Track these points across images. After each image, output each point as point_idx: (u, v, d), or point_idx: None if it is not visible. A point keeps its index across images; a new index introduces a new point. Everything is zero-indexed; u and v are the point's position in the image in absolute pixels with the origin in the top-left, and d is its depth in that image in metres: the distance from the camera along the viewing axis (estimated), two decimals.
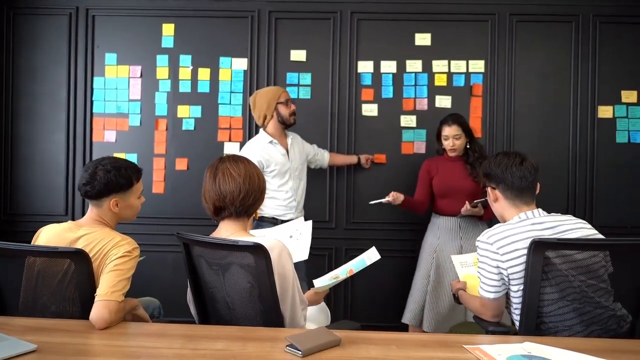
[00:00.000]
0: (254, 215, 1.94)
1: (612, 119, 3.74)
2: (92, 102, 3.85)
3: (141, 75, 3.83)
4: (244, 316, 1.79)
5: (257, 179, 1.88)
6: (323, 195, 3.78)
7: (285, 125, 3.26)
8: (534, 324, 1.85)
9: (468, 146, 3.26)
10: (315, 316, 2.27)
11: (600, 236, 1.95)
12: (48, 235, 2.01)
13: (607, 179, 3.74)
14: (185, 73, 3.82)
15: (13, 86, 3.87)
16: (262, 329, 1.71)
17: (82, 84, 3.85)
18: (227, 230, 1.86)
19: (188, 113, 3.82)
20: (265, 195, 1.96)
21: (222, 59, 3.81)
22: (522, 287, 1.87)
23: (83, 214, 3.77)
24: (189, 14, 3.82)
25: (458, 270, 2.49)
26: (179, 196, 3.81)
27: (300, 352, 1.46)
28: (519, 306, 1.90)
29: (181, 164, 3.81)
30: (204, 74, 3.81)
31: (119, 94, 3.84)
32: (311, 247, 3.36)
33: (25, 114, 3.87)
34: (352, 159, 3.71)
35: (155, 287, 3.72)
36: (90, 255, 1.88)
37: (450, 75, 3.76)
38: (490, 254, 1.92)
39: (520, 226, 1.94)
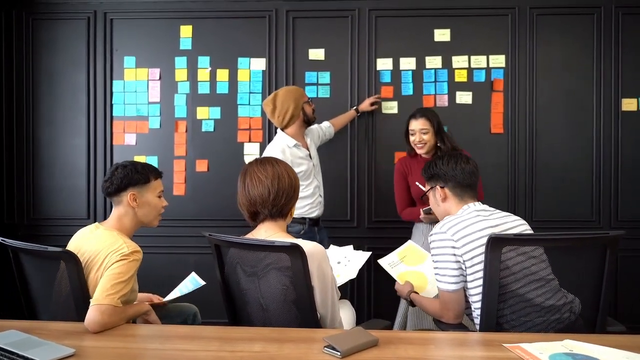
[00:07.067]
0: (291, 214, 1.92)
1: (637, 112, 3.68)
2: (111, 105, 3.86)
3: (160, 78, 3.84)
4: (279, 318, 1.77)
5: (287, 177, 1.86)
6: (344, 193, 3.76)
7: (308, 124, 3.24)
8: (494, 321, 1.84)
9: (439, 144, 3.03)
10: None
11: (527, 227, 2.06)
12: (75, 238, 2.08)
13: (632, 173, 3.67)
14: (203, 74, 3.82)
15: (33, 91, 3.89)
16: (298, 330, 1.69)
17: (102, 87, 3.86)
18: (267, 232, 1.85)
19: (207, 114, 3.81)
20: None
21: (240, 60, 3.80)
22: (478, 282, 1.88)
23: (105, 217, 3.81)
24: (207, 15, 3.81)
25: (390, 273, 2.47)
26: (199, 198, 3.80)
27: (339, 353, 1.44)
28: (479, 304, 1.89)
29: (201, 166, 3.80)
30: (222, 75, 3.81)
31: (139, 96, 3.85)
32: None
33: (46, 119, 3.89)
34: (351, 115, 3.67)
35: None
36: (91, 257, 1.92)
37: (470, 70, 3.72)
38: (446, 241, 1.95)
39: (468, 213, 2.04)
